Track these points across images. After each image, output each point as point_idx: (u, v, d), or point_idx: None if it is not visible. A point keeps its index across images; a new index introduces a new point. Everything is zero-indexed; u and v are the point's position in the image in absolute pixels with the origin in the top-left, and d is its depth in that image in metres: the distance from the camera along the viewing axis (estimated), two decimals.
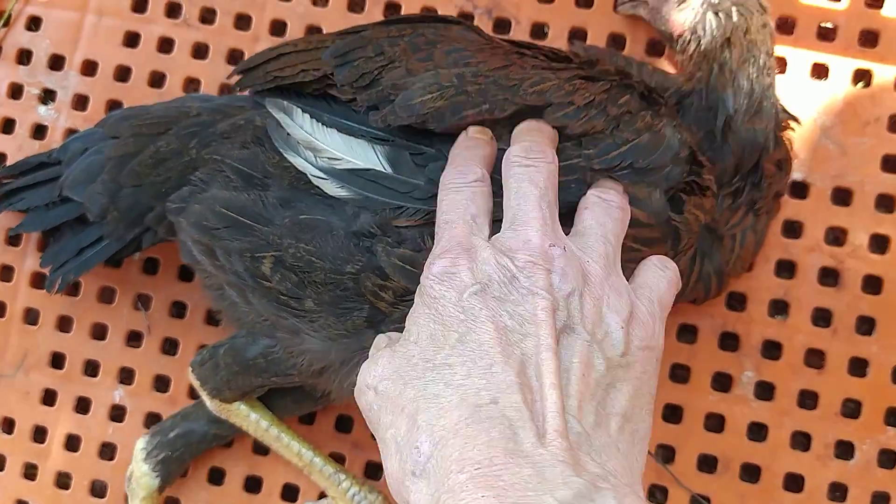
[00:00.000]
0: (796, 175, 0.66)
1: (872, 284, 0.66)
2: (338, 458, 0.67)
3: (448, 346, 0.42)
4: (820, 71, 0.68)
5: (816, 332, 0.65)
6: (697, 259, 0.57)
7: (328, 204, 0.53)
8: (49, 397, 0.71)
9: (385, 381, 0.43)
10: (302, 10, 0.72)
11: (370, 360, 0.46)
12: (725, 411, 0.66)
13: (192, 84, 0.73)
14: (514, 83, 0.51)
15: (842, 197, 0.67)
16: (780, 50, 0.67)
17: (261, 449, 0.69)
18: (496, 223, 0.47)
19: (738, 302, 0.67)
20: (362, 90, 0.53)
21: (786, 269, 0.66)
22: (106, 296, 0.72)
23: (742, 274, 0.64)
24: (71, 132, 0.73)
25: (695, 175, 0.54)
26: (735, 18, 0.57)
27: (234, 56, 0.73)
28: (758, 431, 0.66)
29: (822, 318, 0.66)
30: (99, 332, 0.72)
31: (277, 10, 0.73)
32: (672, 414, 0.66)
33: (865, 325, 0.66)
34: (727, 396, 0.66)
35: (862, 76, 0.67)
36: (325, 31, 0.72)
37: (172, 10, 0.74)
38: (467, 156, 0.49)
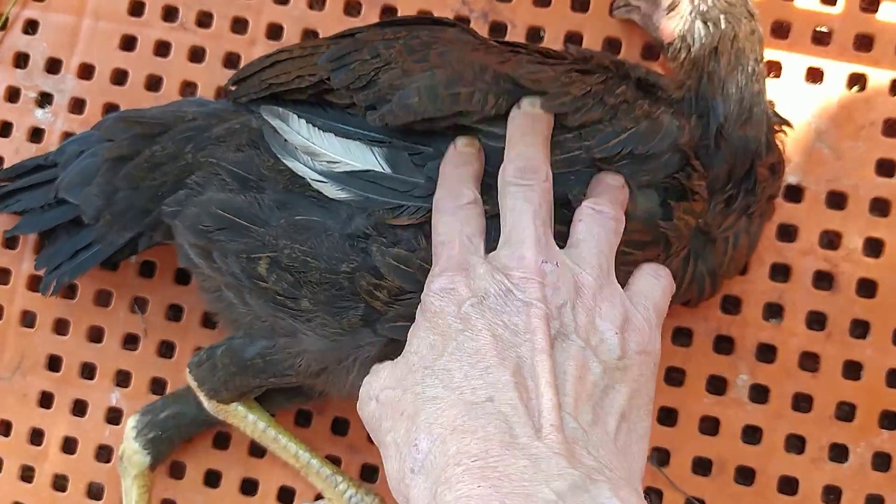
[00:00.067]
0: (791, 178, 0.66)
1: (867, 288, 0.66)
2: (334, 461, 0.67)
3: (447, 353, 0.44)
4: (815, 75, 0.68)
5: (811, 335, 0.66)
6: (691, 260, 0.57)
7: (323, 206, 0.53)
8: (46, 400, 0.72)
9: (386, 389, 0.45)
10: (298, 14, 0.72)
11: (372, 373, 0.47)
12: (720, 414, 0.66)
13: (188, 87, 0.73)
14: (510, 73, 0.51)
15: (836, 200, 0.67)
16: (775, 54, 0.68)
17: (257, 451, 0.69)
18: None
19: (732, 305, 0.67)
20: (359, 91, 0.53)
21: (780, 272, 0.67)
22: (102, 299, 0.72)
23: (736, 275, 0.64)
24: (67, 135, 0.73)
25: (687, 172, 0.54)
26: (723, 26, 0.57)
27: (230, 60, 0.73)
28: (752, 434, 0.66)
29: (817, 321, 0.66)
30: (95, 335, 0.72)
31: (274, 14, 0.73)
32: (667, 417, 0.66)
33: (860, 329, 0.66)
34: (722, 399, 0.66)
35: (857, 80, 0.68)
36: (321, 35, 0.72)
37: (169, 14, 0.74)
38: (457, 176, 0.50)
